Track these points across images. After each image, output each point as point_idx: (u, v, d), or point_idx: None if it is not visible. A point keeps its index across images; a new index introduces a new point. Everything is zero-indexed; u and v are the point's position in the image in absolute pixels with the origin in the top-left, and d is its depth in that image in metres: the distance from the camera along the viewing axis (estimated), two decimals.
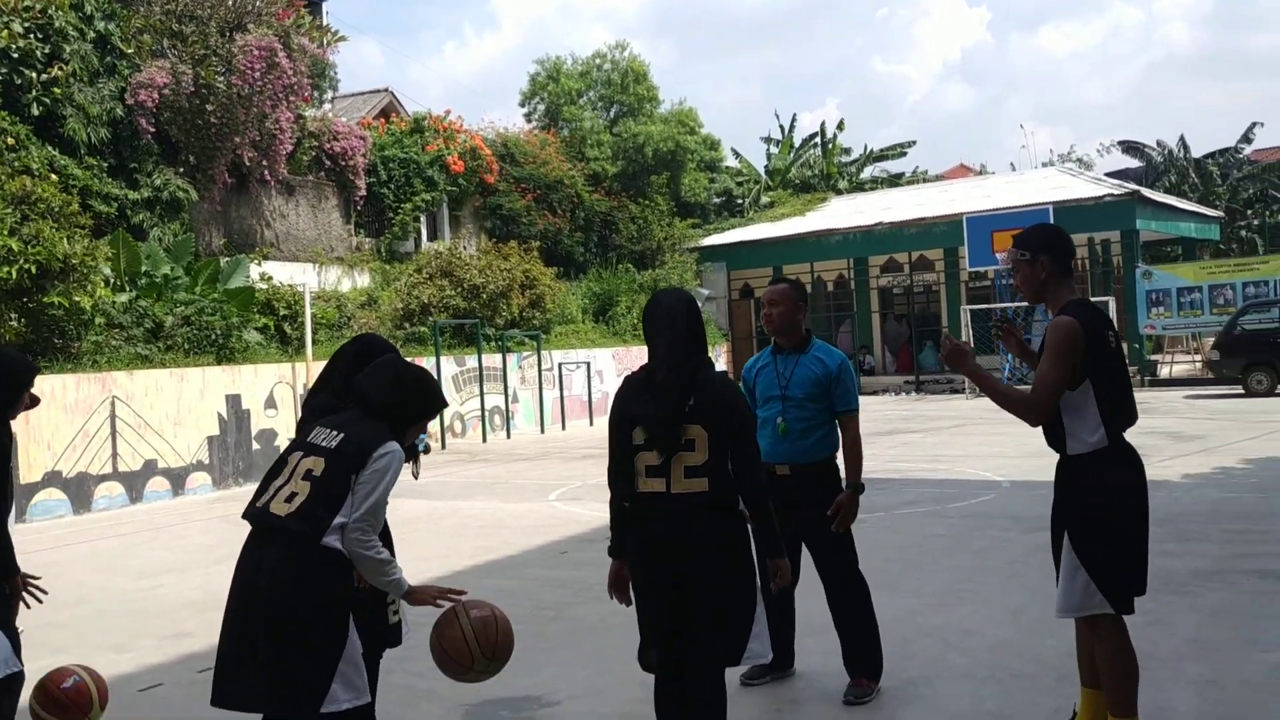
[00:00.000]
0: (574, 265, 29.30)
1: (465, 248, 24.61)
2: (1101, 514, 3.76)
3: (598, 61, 35.12)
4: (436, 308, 21.16)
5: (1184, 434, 15.02)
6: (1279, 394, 20.79)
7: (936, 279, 30.54)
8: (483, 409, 19.90)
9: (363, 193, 24.39)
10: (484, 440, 19.54)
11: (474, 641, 3.45)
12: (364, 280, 23.58)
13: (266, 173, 21.11)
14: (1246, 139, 39.96)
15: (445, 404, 3.82)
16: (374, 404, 3.49)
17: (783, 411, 4.89)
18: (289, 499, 3.33)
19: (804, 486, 4.82)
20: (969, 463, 13.02)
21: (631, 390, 3.81)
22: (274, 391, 15.38)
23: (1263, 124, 47.64)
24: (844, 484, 4.84)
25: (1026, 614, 5.94)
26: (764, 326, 5.07)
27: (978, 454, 13.90)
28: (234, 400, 14.49)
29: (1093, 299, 24.82)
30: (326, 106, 27.14)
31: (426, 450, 4.22)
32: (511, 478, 14.32)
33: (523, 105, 35.28)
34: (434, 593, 3.46)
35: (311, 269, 22.40)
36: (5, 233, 11.80)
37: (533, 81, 34.75)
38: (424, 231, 26.74)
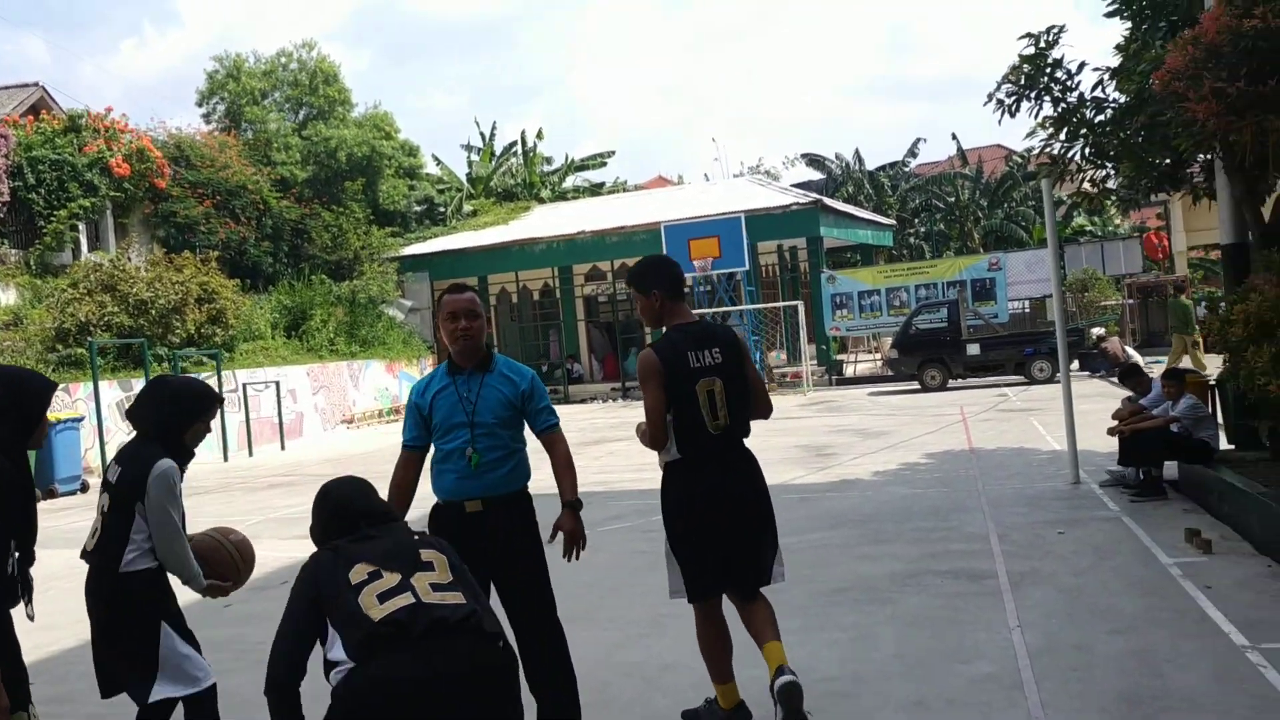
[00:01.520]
0: (262, 277, 27.34)
1: (132, 259, 22.27)
2: (669, 519, 4.43)
3: (283, 61, 33.15)
4: (97, 326, 18.93)
5: (870, 430, 15.67)
6: (950, 388, 22.36)
7: None
8: None
9: (5, 198, 21.57)
10: None
11: (237, 556, 4.24)
12: (9, 297, 20.81)
13: None
14: (912, 153, 43.32)
15: (212, 398, 4.18)
16: (141, 429, 4.03)
17: (472, 440, 4.21)
18: (93, 534, 3.98)
19: (499, 521, 4.19)
20: None
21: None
22: None
23: (925, 140, 52.00)
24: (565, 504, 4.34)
25: (732, 638, 5.57)
26: (452, 344, 4.27)
27: None
28: None
29: (782, 303, 25.82)
30: None
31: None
32: None
33: (200, 105, 32.81)
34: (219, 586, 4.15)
35: None
36: None
37: (211, 80, 32.31)
38: (84, 241, 24.05)
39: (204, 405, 4.11)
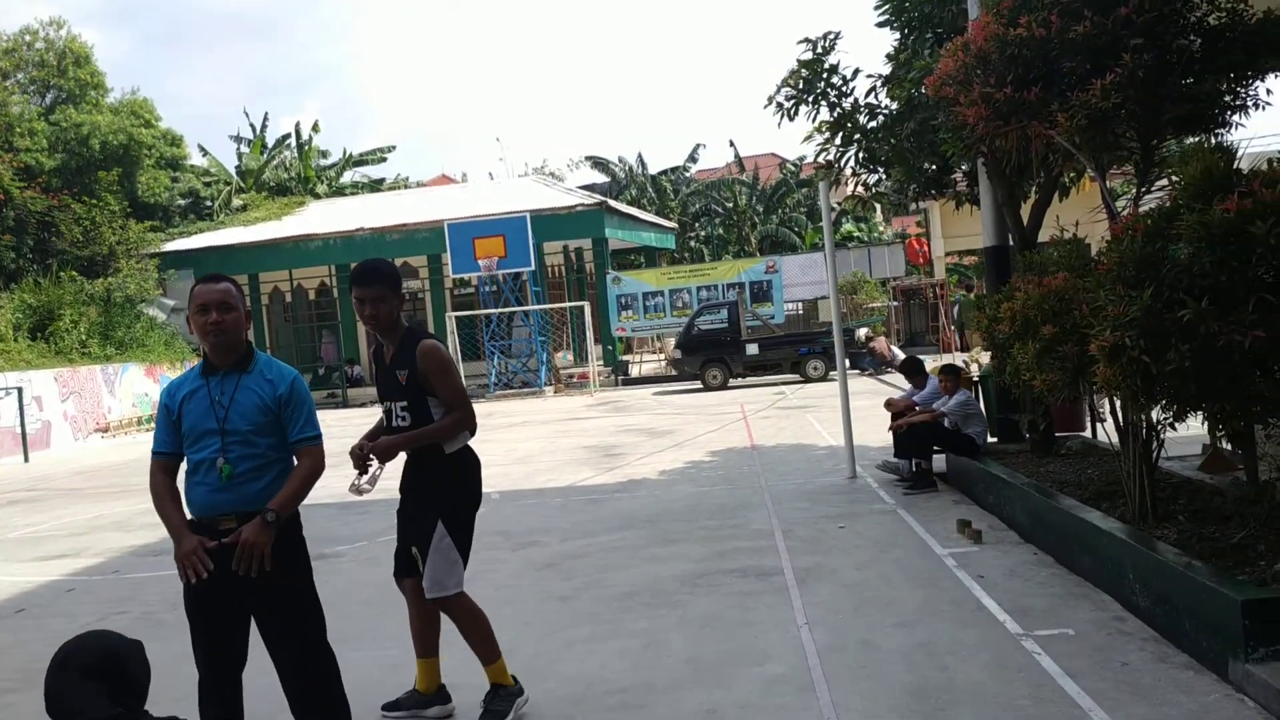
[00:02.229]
0: (3, 273, 24.97)
1: None
2: (464, 507, 4.62)
3: (28, 39, 30.43)
4: None
5: (657, 430, 15.75)
6: (732, 387, 22.85)
7: (421, 285, 30.12)
8: None
9: None
10: None
11: None
12: None
13: None
14: (693, 158, 44.26)
15: None
16: None
17: (223, 450, 3.76)
18: None
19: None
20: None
21: None
22: None
23: (705, 145, 53.27)
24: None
25: (520, 651, 5.33)
26: (204, 340, 3.83)
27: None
28: None
29: (569, 304, 25.78)
30: None
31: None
32: None
33: None
34: None
35: None
36: None
37: None
38: None
39: None
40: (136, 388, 24.69)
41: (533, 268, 26.19)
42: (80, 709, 2.47)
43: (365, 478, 4.39)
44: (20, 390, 19.69)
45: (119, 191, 28.45)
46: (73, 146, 27.85)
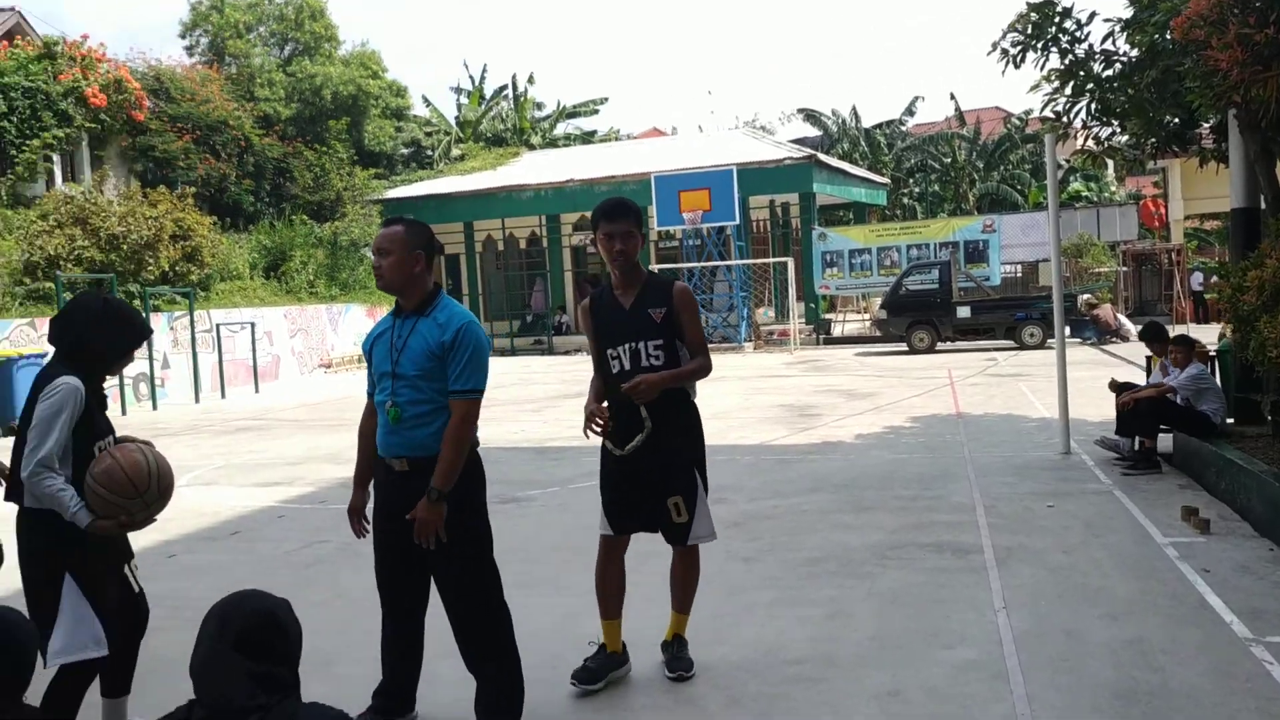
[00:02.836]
0: (243, 216, 26.74)
1: (105, 192, 21.65)
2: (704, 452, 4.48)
3: None
4: (66, 260, 18.38)
5: (856, 391, 15.30)
6: (939, 351, 22.00)
7: None
8: (120, 377, 17.44)
9: None
10: (123, 413, 17.12)
11: (110, 493, 3.52)
12: None
13: None
14: (910, 112, 42.64)
15: (132, 332, 3.80)
16: (57, 348, 3.72)
17: (393, 392, 3.81)
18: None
19: (425, 486, 3.77)
20: None
21: None
22: None
23: (924, 98, 51.28)
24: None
25: (699, 611, 5.22)
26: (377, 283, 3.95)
27: None
28: None
29: (772, 259, 25.39)
30: None
31: None
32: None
33: (183, 37, 31.98)
34: (113, 526, 3.56)
35: None
36: None
37: (194, 11, 31.38)
38: (58, 173, 23.39)
39: (131, 331, 3.78)
40: (357, 327, 26.03)
41: (737, 222, 25.92)
42: (228, 693, 2.27)
43: (621, 440, 4.24)
44: (253, 325, 21.06)
45: (347, 140, 29.89)
46: (307, 96, 29.41)
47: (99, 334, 3.68)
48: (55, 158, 23.12)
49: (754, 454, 10.23)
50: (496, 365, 26.00)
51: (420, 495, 3.72)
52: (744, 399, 14.90)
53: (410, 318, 3.85)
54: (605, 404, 4.25)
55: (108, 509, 3.54)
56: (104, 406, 3.81)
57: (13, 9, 26.73)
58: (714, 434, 11.79)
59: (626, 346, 4.25)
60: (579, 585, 5.92)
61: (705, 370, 4.27)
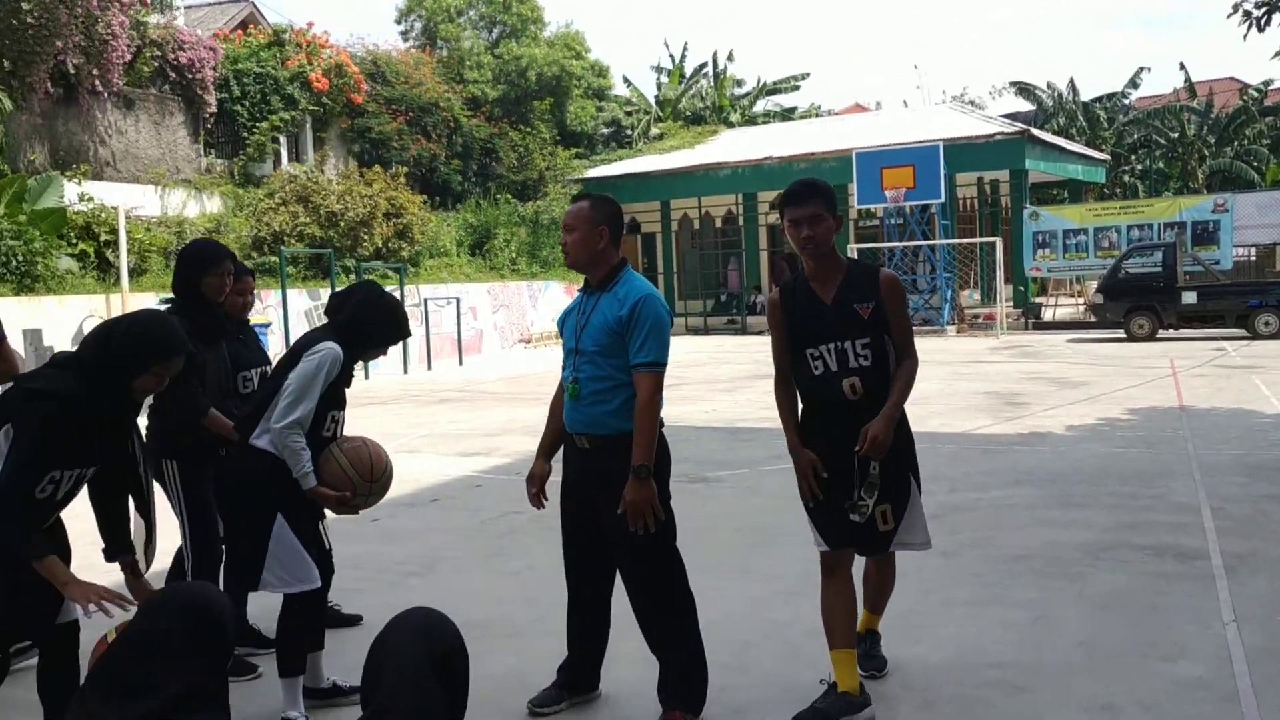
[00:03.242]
0: (451, 195, 27.71)
1: (325, 171, 22.86)
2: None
3: None
4: (290, 236, 19.51)
5: (1067, 380, 14.48)
6: (1160, 339, 20.60)
7: None
8: None
9: (213, 109, 22.41)
10: None
11: (351, 470, 3.88)
12: (214, 205, 21.70)
13: (98, 83, 19.07)
14: (1134, 84, 40.02)
15: (396, 329, 4.10)
16: (332, 319, 4.03)
17: (575, 368, 3.80)
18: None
19: (604, 465, 3.73)
20: None
21: None
22: (83, 326, 13.68)
23: (1149, 69, 48.05)
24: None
25: (893, 606, 5.00)
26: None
27: None
28: (33, 336, 12.75)
29: (979, 240, 24.35)
30: (178, 13, 24.85)
31: None
32: (350, 425, 12.98)
33: (399, 22, 33.30)
34: (333, 497, 3.86)
35: (153, 191, 20.47)
36: None
37: None
38: (284, 154, 24.85)
39: (396, 327, 4.10)
40: (556, 304, 26.60)
41: (942, 200, 24.98)
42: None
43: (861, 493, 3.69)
44: (458, 300, 21.82)
45: (550, 120, 30.50)
46: (512, 78, 30.15)
47: (370, 320, 4.01)
48: (282, 139, 24.54)
49: (956, 443, 9.81)
50: (689, 344, 26.26)
51: (601, 474, 3.70)
52: (946, 384, 14.33)
53: (595, 293, 3.83)
54: (815, 454, 3.80)
55: (337, 482, 3.86)
56: (348, 383, 4.08)
57: (247, 0, 28.55)
58: (914, 421, 11.29)
59: (831, 347, 3.76)
60: (766, 570, 5.79)
61: (916, 372, 3.89)
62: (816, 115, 40.35)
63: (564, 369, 3.89)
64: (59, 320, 13.37)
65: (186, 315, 4.21)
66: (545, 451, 4.06)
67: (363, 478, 3.89)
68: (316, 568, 3.90)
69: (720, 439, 10.50)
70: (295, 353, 3.92)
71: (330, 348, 3.87)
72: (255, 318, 16.47)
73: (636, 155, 32.77)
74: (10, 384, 3.33)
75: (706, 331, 28.92)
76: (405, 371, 19.63)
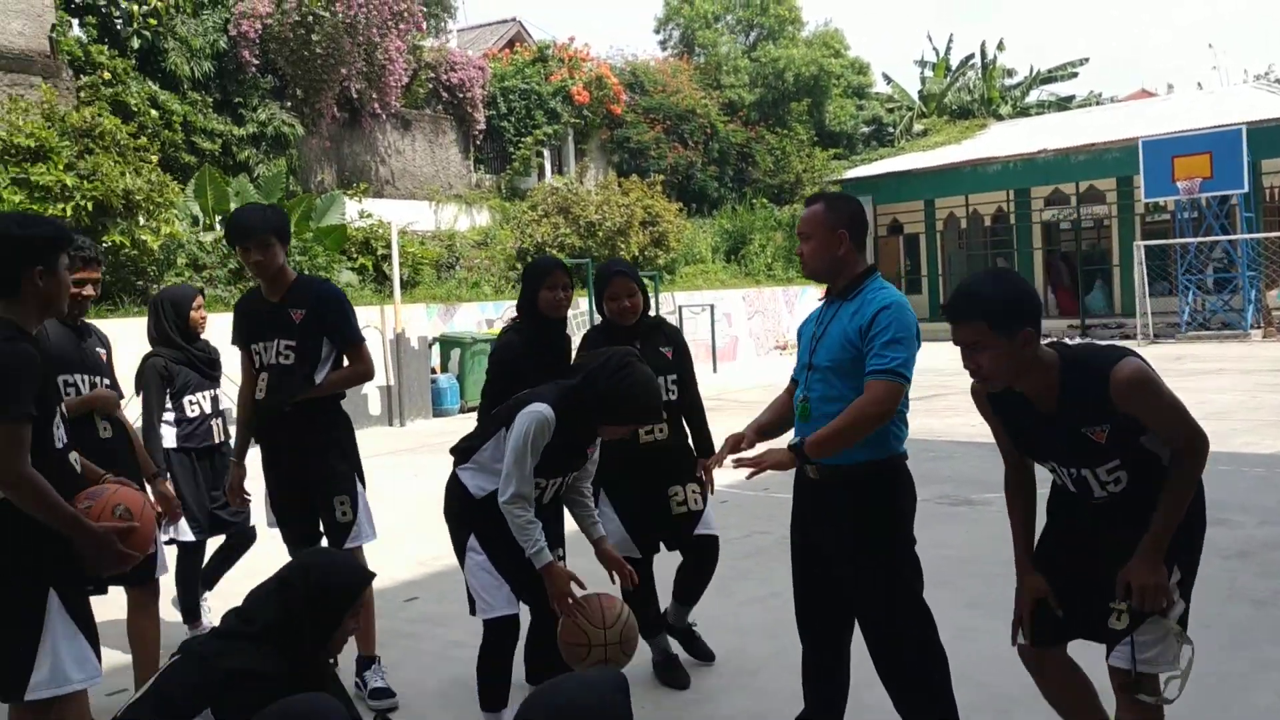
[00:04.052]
0: (707, 201, 27.74)
1: (584, 182, 23.38)
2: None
3: None
4: (551, 246, 20.03)
5: None
6: None
7: (1108, 211, 27.63)
8: None
9: (481, 126, 23.40)
10: None
11: (582, 618, 3.54)
12: (483, 218, 22.65)
13: (377, 106, 20.31)
14: None
15: (644, 415, 3.69)
16: (565, 384, 3.66)
17: (807, 385, 3.41)
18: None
19: (842, 500, 3.33)
20: None
21: None
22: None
23: None
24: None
25: (1201, 664, 4.27)
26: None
27: None
28: None
29: None
30: (451, 36, 26.22)
31: None
32: None
33: (657, 32, 33.70)
34: (565, 588, 3.56)
35: (427, 207, 21.60)
36: (61, 167, 11.10)
37: (667, 5, 32.99)
38: (548, 166, 25.63)
39: (628, 413, 3.65)
40: (813, 310, 26.05)
41: (1245, 190, 22.54)
42: None
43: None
44: (712, 307, 21.72)
45: (807, 121, 29.95)
46: (769, 80, 29.83)
47: (612, 393, 3.56)
48: (545, 153, 25.33)
49: (1266, 465, 8.62)
50: (955, 351, 24.63)
51: (833, 510, 3.31)
52: (1249, 397, 12.77)
53: (835, 303, 3.43)
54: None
55: (568, 634, 3.58)
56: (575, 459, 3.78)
57: (514, 19, 29.75)
58: (1213, 438, 10.11)
59: (1068, 473, 2.96)
60: None
61: (1199, 467, 2.83)
62: (1096, 103, 37.61)
63: (800, 385, 3.53)
64: None
65: (527, 330, 4.34)
66: (756, 427, 3.69)
67: (594, 624, 3.56)
68: (511, 598, 3.74)
69: (985, 456, 9.68)
70: (517, 405, 3.66)
71: (537, 413, 3.54)
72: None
73: (898, 153, 31.65)
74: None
75: None
76: None
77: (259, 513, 4.88)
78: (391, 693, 4.41)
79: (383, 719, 4.13)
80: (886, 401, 3.20)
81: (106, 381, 4.32)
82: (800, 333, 3.65)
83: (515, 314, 4.49)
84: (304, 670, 2.72)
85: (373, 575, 3.05)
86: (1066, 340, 3.01)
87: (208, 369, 5.40)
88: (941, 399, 14.15)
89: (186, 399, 5.26)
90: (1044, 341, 2.91)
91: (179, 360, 5.27)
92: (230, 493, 4.84)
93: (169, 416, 5.20)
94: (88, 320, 4.43)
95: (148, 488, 4.37)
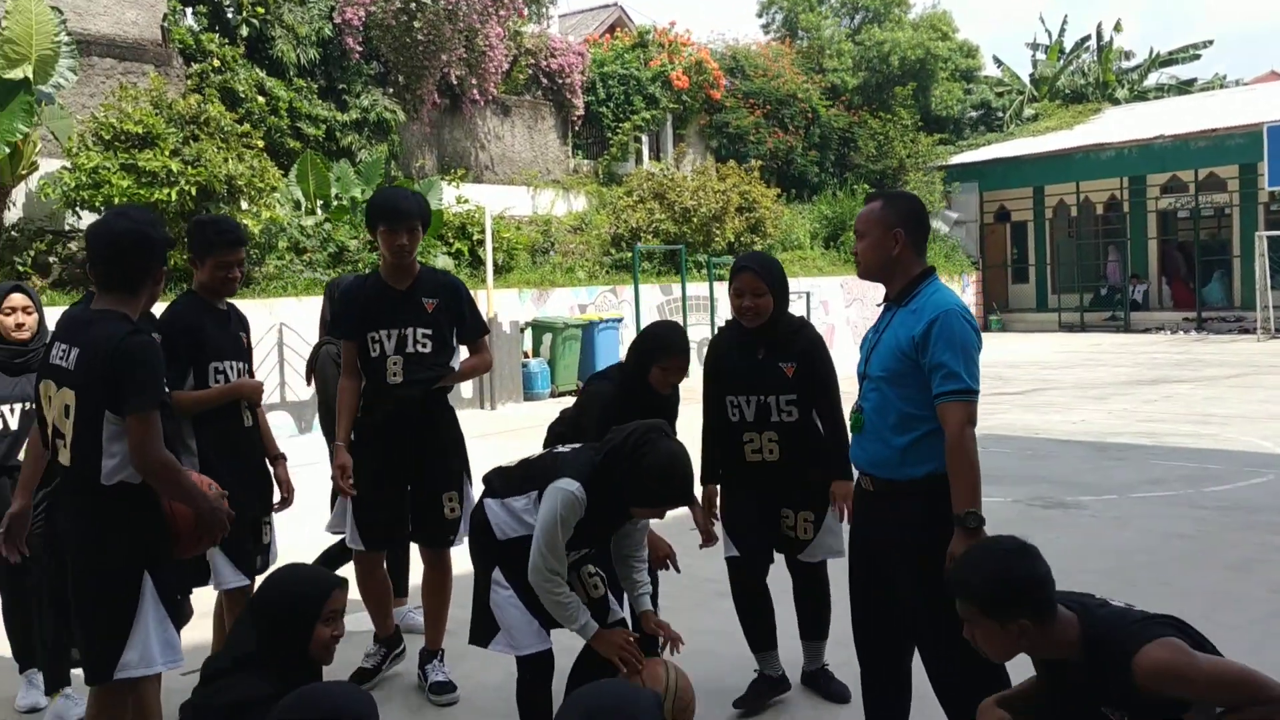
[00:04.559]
0: (807, 187, 27.33)
1: (679, 168, 23.24)
2: None
3: None
4: (646, 232, 19.96)
5: None
6: None
7: (1228, 200, 26.39)
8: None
9: (580, 112, 23.41)
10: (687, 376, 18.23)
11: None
12: (580, 204, 22.70)
13: (477, 92, 20.47)
14: None
15: (664, 500, 3.36)
16: (595, 455, 3.45)
17: (861, 395, 3.28)
18: None
19: (897, 513, 3.19)
20: (1244, 426, 10.52)
21: None
22: None
23: None
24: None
25: None
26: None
27: (1257, 415, 11.30)
28: None
29: None
30: (552, 22, 26.28)
31: None
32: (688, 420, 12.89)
33: (760, 15, 33.29)
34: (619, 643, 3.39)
35: (525, 192, 21.72)
36: (167, 153, 11.42)
37: None
38: (645, 152, 25.54)
39: (656, 496, 3.39)
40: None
41: None
42: None
43: None
44: (808, 295, 21.40)
45: (912, 105, 29.27)
46: (874, 64, 29.24)
47: (627, 471, 3.34)
48: (643, 138, 25.24)
49: None
50: (1061, 342, 24.13)
51: (888, 524, 3.17)
52: None
53: (890, 308, 3.29)
54: None
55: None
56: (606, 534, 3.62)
57: (615, 4, 29.68)
58: None
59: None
60: None
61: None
62: (1221, 86, 35.96)
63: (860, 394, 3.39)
64: None
65: (625, 391, 4.02)
66: None
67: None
68: (542, 632, 3.54)
69: (1086, 456, 9.37)
70: (553, 466, 3.49)
71: (567, 492, 3.32)
72: (610, 312, 17.03)
73: (1007, 139, 30.75)
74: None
75: (1083, 328, 26.58)
76: None
77: (295, 522, 4.76)
78: (452, 686, 4.41)
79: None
80: (967, 422, 3.07)
81: (246, 367, 4.25)
82: (863, 342, 3.50)
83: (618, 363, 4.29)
84: (297, 685, 2.67)
85: (340, 581, 2.92)
86: (1091, 601, 2.67)
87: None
88: (1042, 394, 13.70)
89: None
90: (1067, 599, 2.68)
91: None
92: (285, 486, 4.44)
93: None
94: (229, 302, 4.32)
95: (271, 469, 4.34)
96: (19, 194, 12.53)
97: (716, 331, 4.35)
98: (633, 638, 3.43)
